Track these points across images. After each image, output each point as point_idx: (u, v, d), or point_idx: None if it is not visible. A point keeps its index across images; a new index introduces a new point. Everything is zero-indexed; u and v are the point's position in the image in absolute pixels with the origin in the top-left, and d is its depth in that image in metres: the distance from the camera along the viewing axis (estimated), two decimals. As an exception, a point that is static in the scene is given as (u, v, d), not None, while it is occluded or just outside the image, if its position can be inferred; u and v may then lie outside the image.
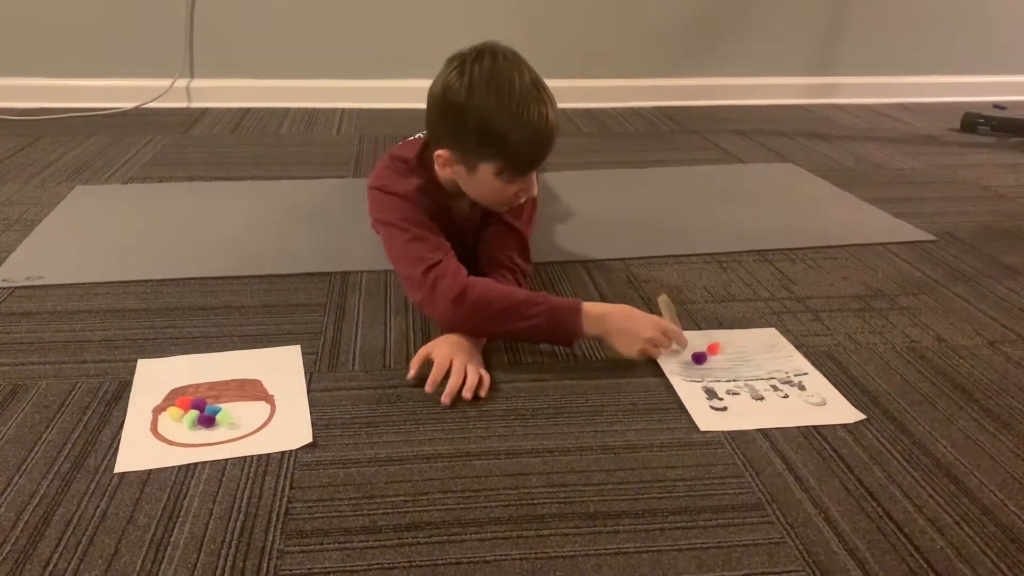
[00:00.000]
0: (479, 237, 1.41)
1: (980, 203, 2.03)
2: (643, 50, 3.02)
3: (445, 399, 1.12)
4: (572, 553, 0.87)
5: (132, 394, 1.13)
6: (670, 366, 1.22)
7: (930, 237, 1.78)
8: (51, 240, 1.66)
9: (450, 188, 1.35)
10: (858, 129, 2.77)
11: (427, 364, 1.17)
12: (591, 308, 1.22)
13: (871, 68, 3.17)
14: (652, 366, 1.23)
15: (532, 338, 1.25)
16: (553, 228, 1.76)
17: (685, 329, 1.28)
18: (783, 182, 2.17)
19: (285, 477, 0.98)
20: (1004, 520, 0.93)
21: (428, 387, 1.14)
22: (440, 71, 1.25)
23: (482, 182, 1.26)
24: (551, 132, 1.23)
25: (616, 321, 1.22)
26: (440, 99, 1.23)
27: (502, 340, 1.28)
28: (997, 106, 2.97)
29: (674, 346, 1.24)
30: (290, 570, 0.84)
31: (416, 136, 1.46)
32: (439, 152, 1.27)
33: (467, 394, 1.13)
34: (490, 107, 1.18)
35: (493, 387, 1.17)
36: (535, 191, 1.32)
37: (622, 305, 1.26)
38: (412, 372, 1.17)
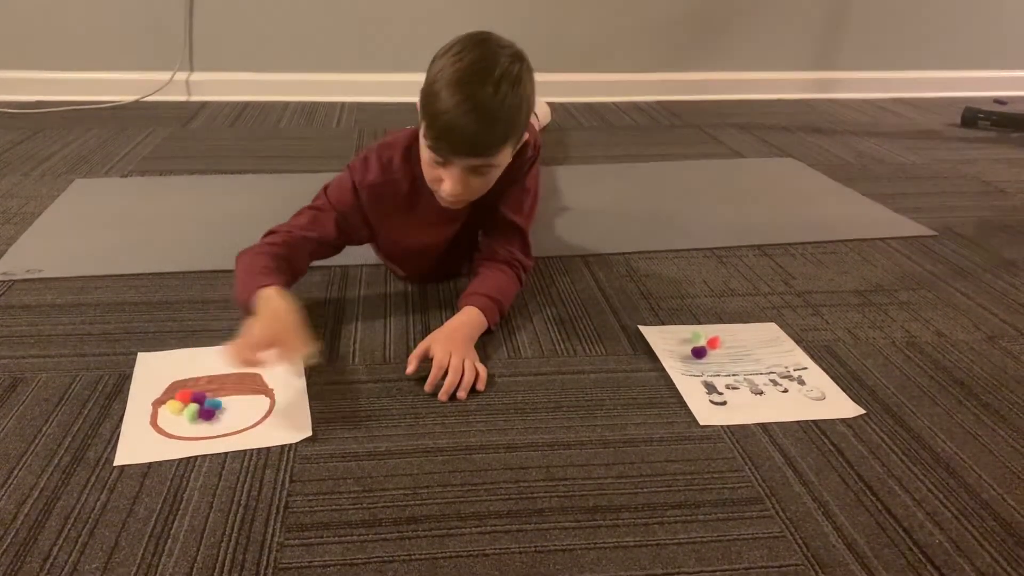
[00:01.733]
0: (484, 231, 1.40)
1: (980, 198, 2.03)
2: (644, 45, 3.01)
3: (443, 396, 1.12)
4: (572, 547, 0.87)
5: (132, 387, 1.13)
6: (670, 361, 1.22)
7: (930, 232, 1.78)
8: (51, 233, 1.66)
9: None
10: (858, 124, 2.77)
11: (426, 360, 1.17)
12: (268, 295, 1.13)
13: (872, 63, 3.17)
14: (652, 360, 1.23)
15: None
16: (553, 221, 1.76)
17: (684, 324, 1.28)
18: (783, 177, 2.17)
19: (285, 470, 0.98)
20: (1003, 514, 0.94)
21: (427, 387, 1.14)
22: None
23: (422, 156, 1.24)
24: (469, 126, 1.13)
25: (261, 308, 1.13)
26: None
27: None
28: (997, 101, 2.97)
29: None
30: (290, 563, 0.84)
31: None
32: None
33: (462, 394, 1.13)
34: (436, 80, 1.15)
35: (493, 381, 1.17)
36: (450, 188, 1.20)
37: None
38: (411, 368, 1.17)
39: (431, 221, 1.36)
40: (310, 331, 1.11)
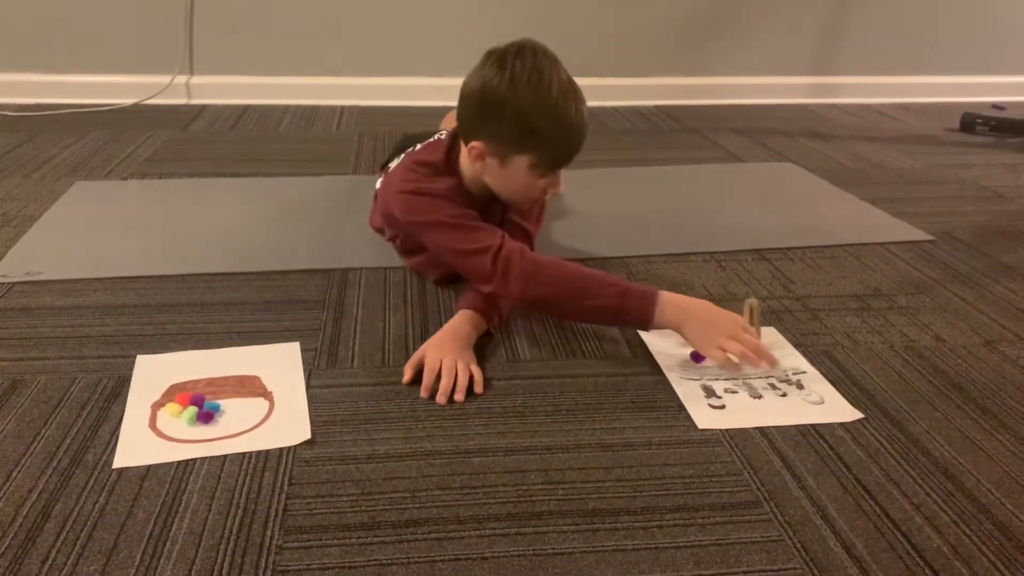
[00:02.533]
0: None
1: (978, 203, 2.04)
2: (644, 49, 3.02)
3: (440, 399, 1.12)
4: (570, 550, 0.87)
5: (131, 390, 1.13)
6: (669, 364, 1.22)
7: (928, 237, 1.78)
8: (50, 236, 1.66)
9: (474, 188, 1.37)
10: (857, 129, 2.78)
11: (421, 367, 1.17)
12: (669, 295, 1.22)
13: (871, 68, 3.17)
14: (651, 364, 1.23)
15: (601, 319, 1.27)
16: (553, 225, 1.76)
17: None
18: (782, 181, 2.17)
19: (284, 473, 0.98)
20: (1001, 518, 0.94)
21: (423, 393, 1.14)
22: (476, 66, 1.27)
23: (514, 175, 1.29)
24: (584, 129, 1.28)
25: (696, 311, 1.21)
26: (479, 92, 1.25)
27: (575, 321, 1.32)
28: (995, 106, 2.97)
29: (754, 358, 1.17)
30: (288, 566, 0.84)
31: (436, 137, 1.46)
32: (474, 144, 1.28)
33: (458, 396, 1.13)
34: (531, 101, 1.22)
35: (492, 384, 1.17)
36: (563, 188, 1.34)
37: (703, 300, 1.25)
38: (407, 377, 1.17)
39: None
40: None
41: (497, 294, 1.25)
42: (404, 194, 1.36)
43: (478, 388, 1.15)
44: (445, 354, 1.17)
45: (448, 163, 1.38)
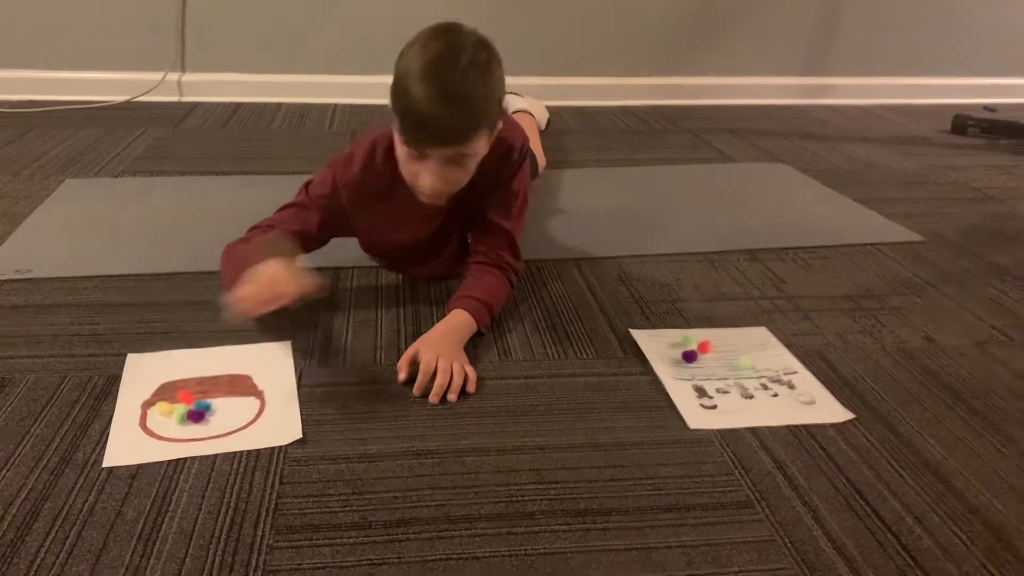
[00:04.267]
0: (472, 235, 1.41)
1: (969, 204, 2.04)
2: (636, 49, 3.02)
3: (433, 399, 1.12)
4: (562, 550, 0.87)
5: (121, 388, 1.13)
6: (660, 364, 1.23)
7: (920, 238, 1.78)
8: (40, 233, 1.65)
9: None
10: (850, 129, 2.78)
11: (415, 365, 1.17)
12: (255, 267, 1.14)
13: (863, 69, 3.18)
14: (643, 364, 1.23)
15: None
16: (545, 225, 1.76)
17: (675, 328, 1.28)
18: (775, 182, 2.18)
19: (275, 473, 0.98)
20: (991, 519, 0.94)
21: (416, 390, 1.14)
22: None
23: (397, 146, 1.24)
24: (439, 115, 1.13)
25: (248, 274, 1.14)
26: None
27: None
28: (987, 108, 2.98)
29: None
30: (279, 565, 0.84)
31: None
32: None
33: (452, 396, 1.13)
34: (404, 73, 1.16)
35: (484, 384, 1.17)
36: (430, 183, 1.21)
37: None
38: (402, 376, 1.17)
39: (411, 217, 1.35)
40: (308, 270, 1.13)
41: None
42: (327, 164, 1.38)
43: (471, 387, 1.15)
44: (441, 354, 1.17)
45: (389, 145, 1.29)
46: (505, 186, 1.37)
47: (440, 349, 1.18)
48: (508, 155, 1.34)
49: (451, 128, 1.16)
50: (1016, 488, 0.99)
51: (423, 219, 1.37)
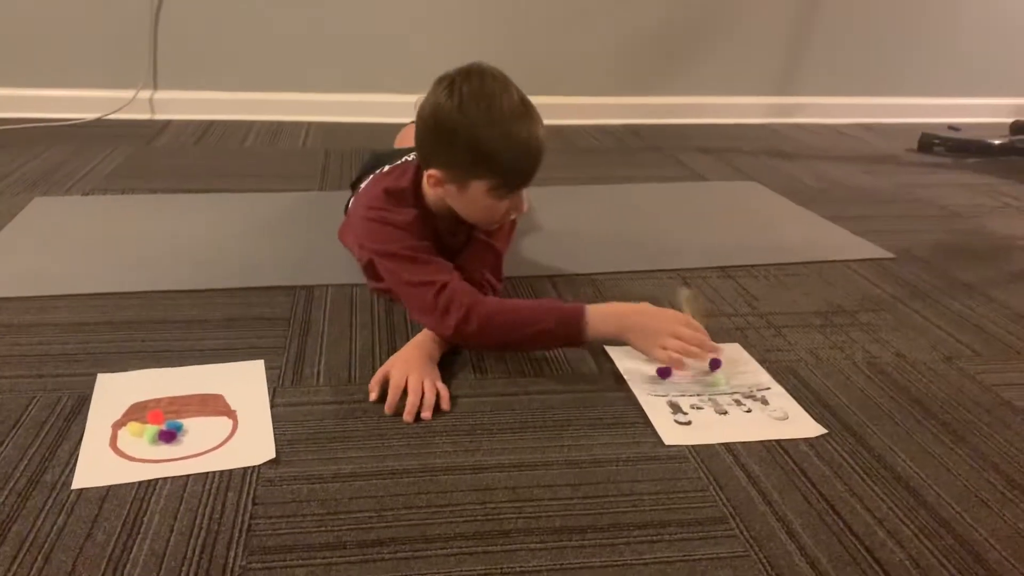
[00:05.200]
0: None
1: (936, 221, 2.08)
2: (610, 68, 3.05)
3: (407, 417, 1.12)
4: (538, 568, 0.87)
5: (91, 409, 1.11)
6: (635, 381, 1.23)
7: (889, 254, 1.81)
8: (8, 252, 1.63)
9: (439, 211, 1.37)
10: (819, 148, 2.82)
11: (387, 384, 1.17)
12: (599, 307, 1.26)
13: (832, 89, 3.23)
14: (618, 380, 1.23)
15: (544, 343, 1.28)
16: (520, 242, 1.76)
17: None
18: (746, 199, 2.20)
19: (248, 493, 0.97)
20: (961, 532, 0.95)
21: (387, 409, 1.13)
22: (428, 92, 1.26)
23: (473, 200, 1.28)
24: (540, 148, 1.25)
25: (634, 316, 1.25)
26: (431, 119, 1.25)
27: (520, 351, 1.30)
28: (952, 127, 3.04)
29: (698, 352, 1.22)
30: (252, 587, 0.83)
31: (403, 160, 1.46)
32: (431, 172, 1.28)
33: (426, 413, 1.12)
34: (481, 125, 1.20)
35: (459, 402, 1.17)
36: (526, 207, 1.33)
37: (642, 303, 1.29)
38: (373, 396, 1.16)
39: (452, 246, 1.41)
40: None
41: (432, 328, 1.25)
42: (368, 221, 1.36)
43: (444, 405, 1.15)
44: (411, 371, 1.17)
45: (414, 190, 1.37)
46: None
47: (411, 367, 1.17)
48: None
49: (543, 155, 1.27)
50: (986, 501, 1.01)
51: (452, 250, 1.41)
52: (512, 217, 1.37)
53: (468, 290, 1.25)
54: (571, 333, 1.24)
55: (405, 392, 1.14)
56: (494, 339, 1.25)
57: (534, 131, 1.24)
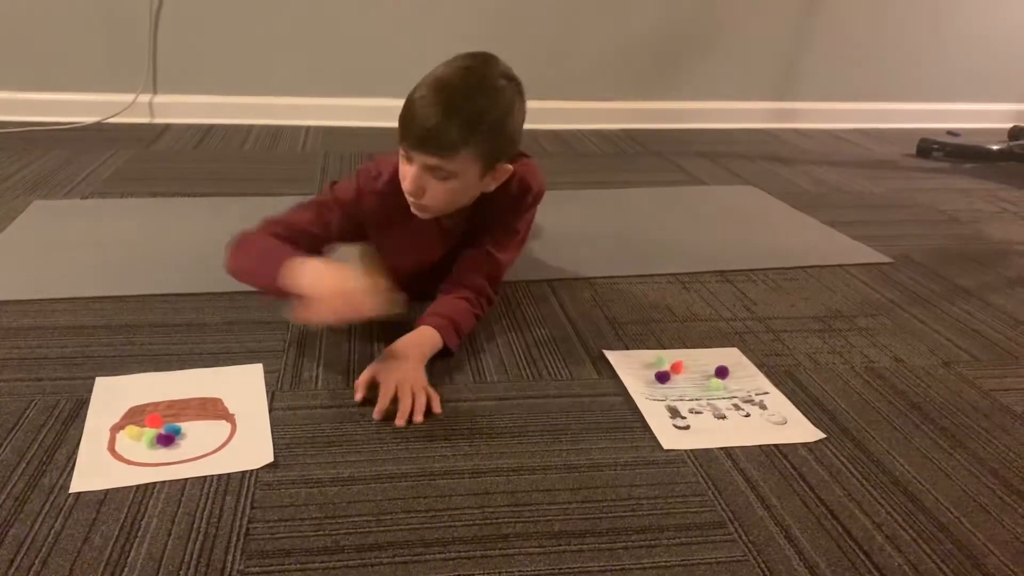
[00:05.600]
0: (461, 256, 1.40)
1: (935, 227, 2.08)
2: (610, 74, 3.05)
3: (399, 421, 1.11)
4: (536, 572, 0.87)
5: (89, 412, 1.11)
6: (634, 385, 1.23)
7: (887, 259, 1.81)
8: (7, 255, 1.63)
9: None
10: (818, 153, 2.83)
11: (373, 386, 1.17)
12: (302, 263, 1.16)
13: (831, 94, 3.24)
14: (616, 384, 1.24)
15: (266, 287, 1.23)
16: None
17: (649, 348, 1.29)
18: (745, 204, 2.21)
19: (246, 497, 0.96)
20: (960, 537, 0.95)
21: (376, 415, 1.13)
22: None
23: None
24: (430, 114, 1.15)
25: (309, 274, 1.14)
26: None
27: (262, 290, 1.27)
28: (951, 133, 3.05)
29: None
30: (250, 591, 0.83)
31: None
32: None
33: (418, 416, 1.12)
34: (431, 72, 1.20)
35: (457, 406, 1.17)
36: (408, 182, 1.21)
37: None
38: (358, 396, 1.16)
39: (423, 240, 1.36)
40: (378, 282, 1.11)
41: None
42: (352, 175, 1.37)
43: (436, 408, 1.15)
44: (399, 375, 1.16)
45: (392, 170, 1.30)
46: (510, 222, 1.40)
47: (401, 372, 1.17)
48: (523, 195, 1.38)
49: (434, 134, 1.16)
50: (984, 506, 1.01)
51: (433, 244, 1.38)
52: (408, 190, 1.23)
53: (262, 233, 1.27)
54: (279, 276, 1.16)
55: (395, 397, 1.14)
56: (243, 267, 1.27)
57: (443, 99, 1.15)
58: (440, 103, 1.15)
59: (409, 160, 1.21)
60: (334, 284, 1.12)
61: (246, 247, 1.28)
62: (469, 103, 1.17)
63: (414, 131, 1.17)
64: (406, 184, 1.22)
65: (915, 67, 3.26)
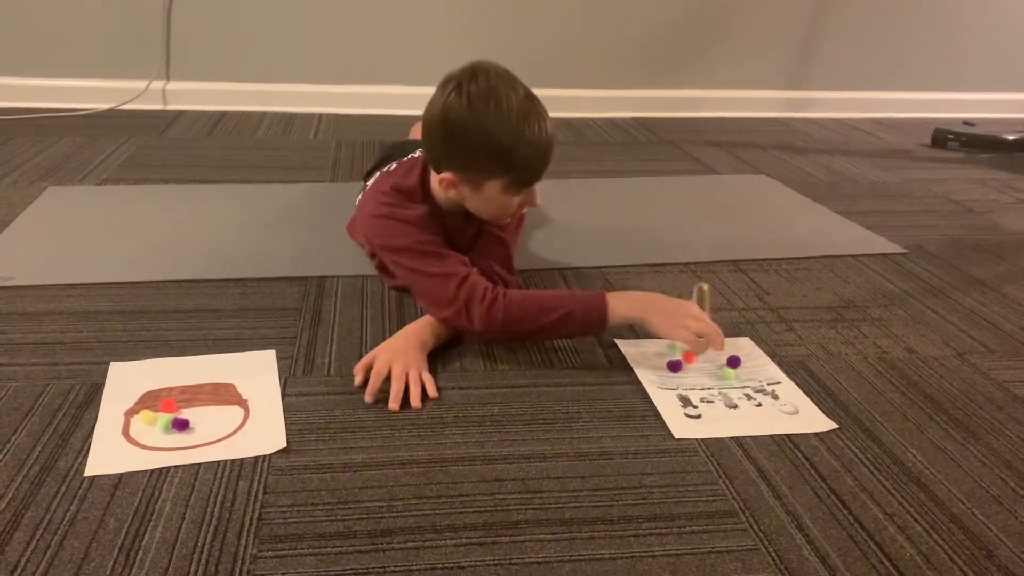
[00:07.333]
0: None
1: (950, 217, 2.07)
2: (621, 61, 3.04)
3: (392, 404, 1.12)
4: (547, 559, 0.87)
5: (104, 397, 1.12)
6: (646, 374, 1.23)
7: (901, 250, 1.80)
8: (23, 241, 1.64)
9: (447, 207, 1.36)
10: (831, 142, 2.81)
11: (371, 371, 1.17)
12: (616, 293, 1.27)
13: (845, 83, 3.21)
14: (628, 373, 1.24)
15: (567, 330, 1.28)
16: (531, 235, 1.76)
17: (661, 338, 1.29)
18: (757, 194, 2.20)
19: (259, 482, 0.97)
20: (972, 528, 0.95)
21: (368, 397, 1.14)
22: (434, 94, 1.25)
23: (488, 199, 1.28)
24: (551, 143, 1.25)
25: (655, 302, 1.26)
26: (441, 122, 1.23)
27: (543, 339, 1.31)
28: (966, 123, 3.02)
29: (717, 334, 1.23)
30: (263, 575, 0.83)
31: (410, 156, 1.46)
32: (444, 176, 1.27)
33: (414, 403, 1.13)
34: (492, 124, 1.20)
35: (469, 393, 1.17)
36: (538, 200, 1.32)
37: (652, 292, 1.32)
38: (358, 380, 1.17)
39: (456, 235, 1.40)
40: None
41: (453, 321, 1.25)
42: (376, 219, 1.36)
43: (431, 393, 1.15)
44: (395, 359, 1.17)
45: (422, 188, 1.36)
46: None
47: (396, 354, 1.18)
48: None
49: (554, 149, 1.27)
50: (997, 497, 1.00)
51: (465, 239, 1.41)
52: (523, 211, 1.38)
53: (486, 282, 1.26)
54: (593, 318, 1.23)
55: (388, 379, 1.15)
56: (519, 327, 1.24)
57: (544, 127, 1.23)
58: (547, 131, 1.24)
59: (518, 192, 1.28)
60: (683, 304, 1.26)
61: (529, 303, 1.26)
62: (549, 119, 1.26)
63: (543, 166, 1.27)
64: (512, 212, 1.33)
65: (930, 56, 3.22)
